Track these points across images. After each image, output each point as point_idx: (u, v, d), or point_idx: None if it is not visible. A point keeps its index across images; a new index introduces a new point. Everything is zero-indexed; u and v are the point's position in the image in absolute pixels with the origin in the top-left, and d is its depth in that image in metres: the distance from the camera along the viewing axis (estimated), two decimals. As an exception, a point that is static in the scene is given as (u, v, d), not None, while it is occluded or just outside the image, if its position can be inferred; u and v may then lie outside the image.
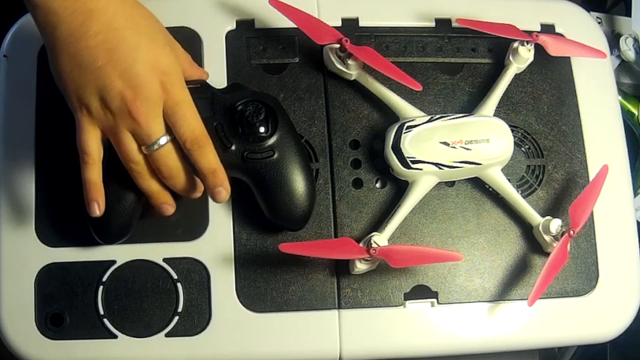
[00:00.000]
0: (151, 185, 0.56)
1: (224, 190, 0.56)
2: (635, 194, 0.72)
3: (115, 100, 0.52)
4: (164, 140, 0.54)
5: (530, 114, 0.66)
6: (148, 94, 0.53)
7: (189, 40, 0.64)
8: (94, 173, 0.55)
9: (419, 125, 0.61)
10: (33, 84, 0.63)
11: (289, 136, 0.58)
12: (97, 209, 0.55)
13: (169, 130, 0.55)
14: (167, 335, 0.59)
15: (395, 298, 0.61)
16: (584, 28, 0.70)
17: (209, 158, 0.55)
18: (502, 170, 0.63)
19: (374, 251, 0.58)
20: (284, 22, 0.64)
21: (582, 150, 0.66)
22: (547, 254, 0.62)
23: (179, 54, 0.58)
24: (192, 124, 0.54)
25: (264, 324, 0.60)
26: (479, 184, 0.64)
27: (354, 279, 0.61)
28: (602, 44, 0.69)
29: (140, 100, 0.53)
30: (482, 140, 0.61)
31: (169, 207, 0.58)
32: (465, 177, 0.63)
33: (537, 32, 0.66)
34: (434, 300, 0.62)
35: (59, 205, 0.60)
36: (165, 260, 0.60)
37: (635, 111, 0.80)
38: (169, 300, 0.60)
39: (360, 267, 0.60)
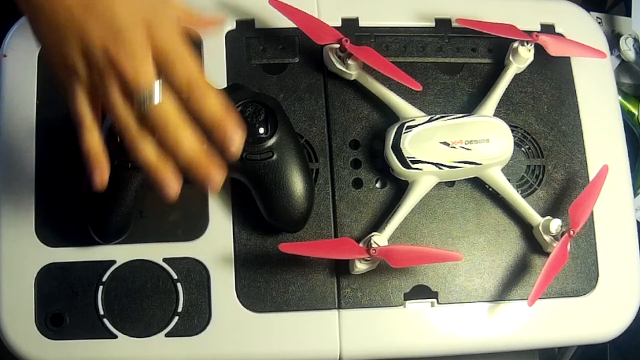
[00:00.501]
0: (147, 152, 0.49)
1: (237, 136, 0.48)
2: (635, 194, 0.72)
3: (97, 52, 0.47)
4: (156, 87, 0.47)
5: (530, 114, 0.66)
6: (131, 38, 0.47)
7: (188, 41, 0.64)
8: (92, 139, 0.49)
9: (419, 125, 0.61)
10: (33, 84, 0.63)
11: (288, 138, 0.58)
12: (99, 180, 0.50)
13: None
14: (167, 335, 0.59)
15: (395, 298, 0.61)
16: (584, 28, 0.70)
17: (212, 102, 0.48)
18: (502, 170, 0.63)
19: (374, 251, 0.58)
20: (284, 22, 0.64)
21: (582, 150, 0.66)
22: (547, 254, 0.62)
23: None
24: (186, 66, 0.48)
25: (264, 324, 0.60)
26: (479, 184, 0.64)
27: (354, 279, 0.61)
28: (602, 44, 0.69)
29: (123, 47, 0.47)
30: (482, 140, 0.61)
31: (171, 185, 0.50)
32: (465, 177, 0.63)
33: (537, 32, 0.66)
34: (434, 300, 0.62)
35: (59, 205, 0.60)
36: (165, 260, 0.60)
37: (635, 111, 0.80)
38: (169, 300, 0.60)
39: (360, 267, 0.60)
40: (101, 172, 0.50)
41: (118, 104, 0.48)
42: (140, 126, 0.48)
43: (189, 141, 0.49)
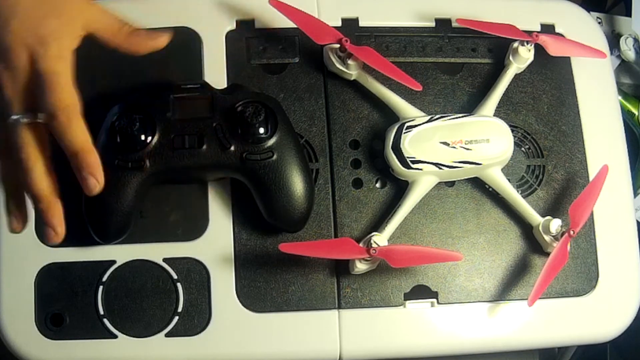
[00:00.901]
0: (4, 173, 0.52)
1: (93, 178, 0.51)
2: (635, 194, 0.72)
3: None
4: (18, 118, 0.50)
5: (530, 114, 0.66)
6: (14, 66, 0.50)
7: (189, 40, 0.64)
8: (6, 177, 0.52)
9: (419, 125, 0.61)
10: (33, 84, 0.63)
11: (288, 138, 0.58)
12: (17, 223, 0.54)
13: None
14: (167, 335, 0.59)
15: (395, 298, 0.61)
16: (584, 28, 0.70)
17: (75, 134, 0.50)
18: (502, 170, 0.63)
19: (374, 251, 0.58)
20: (284, 22, 0.64)
21: (582, 150, 0.66)
22: (547, 254, 0.62)
23: (97, 17, 0.53)
24: (57, 96, 0.50)
25: (264, 324, 0.60)
26: (479, 184, 0.64)
27: (354, 279, 0.61)
28: (602, 44, 0.69)
29: (7, 72, 0.50)
30: (482, 140, 0.61)
31: (15, 218, 0.53)
32: (465, 177, 0.63)
33: (537, 32, 0.66)
34: (434, 300, 0.62)
35: (59, 205, 0.60)
36: (165, 260, 0.60)
37: (635, 111, 0.80)
38: (169, 300, 0.60)
39: (360, 267, 0.60)
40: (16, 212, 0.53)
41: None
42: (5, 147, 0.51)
43: (36, 174, 0.51)
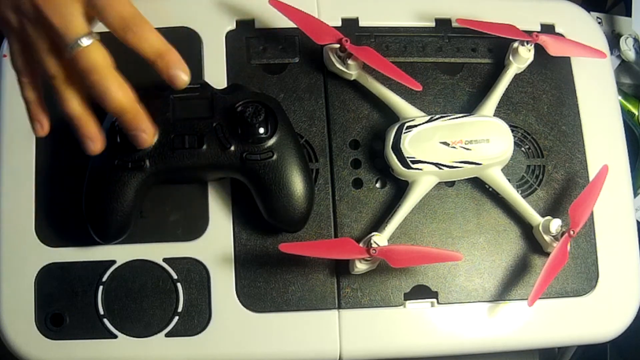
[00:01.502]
0: (72, 103, 0.51)
1: (182, 72, 0.51)
2: (635, 194, 0.72)
3: (26, 5, 0.49)
4: (86, 41, 0.49)
5: (530, 114, 0.66)
6: None
7: (189, 41, 0.64)
8: (29, 92, 0.53)
9: (419, 125, 0.61)
10: (33, 84, 0.63)
11: (288, 138, 0.58)
12: (40, 128, 0.53)
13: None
14: (167, 335, 0.59)
15: (395, 298, 0.61)
16: (584, 28, 0.70)
17: (151, 38, 0.50)
18: (502, 170, 0.63)
19: (374, 251, 0.58)
20: (284, 22, 0.64)
21: (582, 150, 0.66)
22: (547, 254, 0.62)
23: None
24: (119, 6, 0.49)
25: (264, 324, 0.60)
26: (479, 184, 0.64)
27: (354, 279, 0.61)
28: (602, 44, 0.69)
29: (51, 1, 0.48)
30: (482, 140, 0.61)
31: (94, 140, 0.52)
32: (465, 177, 0.63)
33: (537, 32, 0.66)
34: (434, 300, 0.62)
35: (59, 205, 0.60)
36: (165, 260, 0.60)
37: (635, 111, 0.80)
38: (169, 300, 0.60)
39: (360, 267, 0.60)
40: (42, 122, 0.53)
41: (45, 54, 0.50)
42: (69, 77, 0.50)
43: (116, 89, 0.50)
